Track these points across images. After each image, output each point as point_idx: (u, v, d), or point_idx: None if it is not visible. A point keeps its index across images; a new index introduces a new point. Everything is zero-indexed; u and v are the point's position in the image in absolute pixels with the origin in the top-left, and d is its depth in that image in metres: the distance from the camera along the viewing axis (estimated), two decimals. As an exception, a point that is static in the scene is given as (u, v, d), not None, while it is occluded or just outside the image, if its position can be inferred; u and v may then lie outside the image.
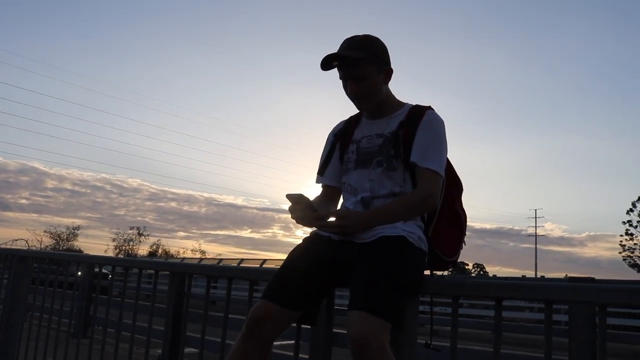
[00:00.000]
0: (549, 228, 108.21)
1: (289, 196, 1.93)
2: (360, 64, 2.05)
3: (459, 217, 2.16)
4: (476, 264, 70.77)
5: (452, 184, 2.18)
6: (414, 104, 2.21)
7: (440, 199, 2.10)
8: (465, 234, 2.18)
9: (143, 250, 57.08)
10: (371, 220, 1.99)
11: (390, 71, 2.14)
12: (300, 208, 1.96)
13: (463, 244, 2.17)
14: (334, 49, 2.09)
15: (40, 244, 49.19)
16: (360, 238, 1.99)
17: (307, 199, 1.96)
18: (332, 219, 1.99)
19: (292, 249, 2.11)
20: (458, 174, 2.20)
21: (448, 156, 2.14)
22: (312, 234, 2.13)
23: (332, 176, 2.26)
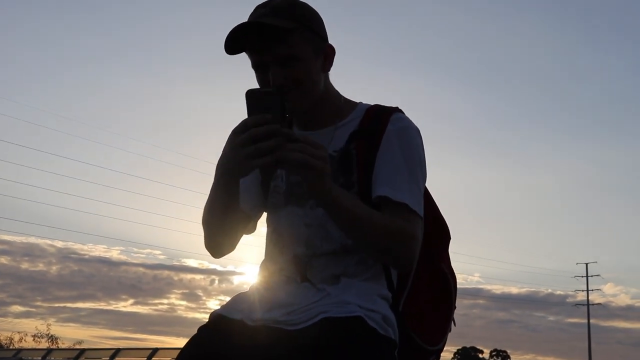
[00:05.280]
0: (608, 292, 77.47)
1: (253, 92, 1.22)
2: (289, 38, 1.45)
3: (446, 280, 1.62)
4: (495, 350, 49.21)
5: (435, 231, 1.63)
6: (372, 103, 1.60)
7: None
8: (455, 307, 1.64)
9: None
10: (338, 196, 1.31)
11: (332, 51, 1.56)
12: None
13: (452, 324, 1.64)
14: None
15: None
16: (290, 323, 1.38)
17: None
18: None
19: (190, 338, 1.43)
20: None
21: (427, 184, 1.58)
22: (214, 317, 1.47)
23: (246, 202, 1.56)
